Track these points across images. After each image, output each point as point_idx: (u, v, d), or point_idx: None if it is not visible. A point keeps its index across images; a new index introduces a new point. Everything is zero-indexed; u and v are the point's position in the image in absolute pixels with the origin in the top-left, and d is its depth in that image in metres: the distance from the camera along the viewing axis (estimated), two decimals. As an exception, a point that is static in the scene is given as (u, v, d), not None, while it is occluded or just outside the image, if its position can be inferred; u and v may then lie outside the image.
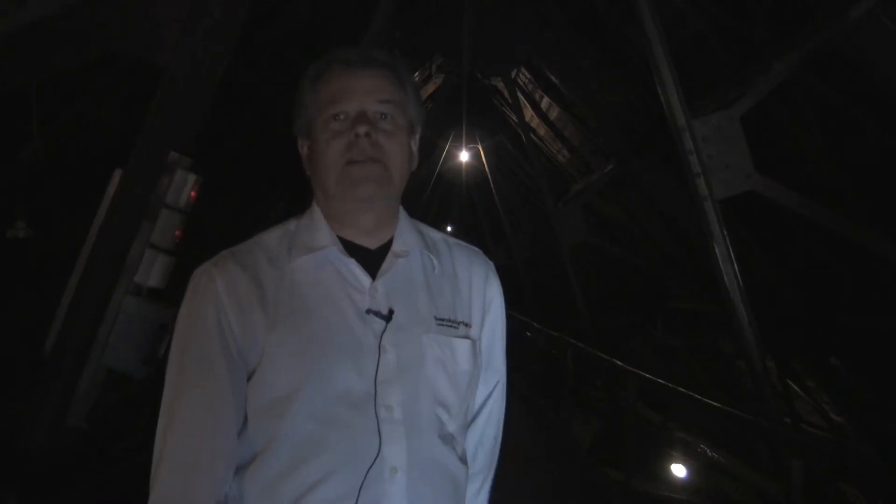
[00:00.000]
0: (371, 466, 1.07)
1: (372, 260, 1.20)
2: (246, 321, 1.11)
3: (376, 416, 1.09)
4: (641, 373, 5.92)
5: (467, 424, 1.26)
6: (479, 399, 1.32)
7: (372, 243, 1.23)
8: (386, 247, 1.23)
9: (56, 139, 5.19)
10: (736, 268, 4.34)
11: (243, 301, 1.12)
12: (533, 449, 7.06)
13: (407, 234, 1.26)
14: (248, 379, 1.11)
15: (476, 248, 1.38)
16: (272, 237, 1.22)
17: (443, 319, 1.22)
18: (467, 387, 1.22)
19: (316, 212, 1.24)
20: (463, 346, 1.22)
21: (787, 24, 4.97)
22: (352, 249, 1.20)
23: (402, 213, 1.28)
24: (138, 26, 3.96)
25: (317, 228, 1.21)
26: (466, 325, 1.25)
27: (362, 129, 1.18)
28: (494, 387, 1.35)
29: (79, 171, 5.54)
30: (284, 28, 6.46)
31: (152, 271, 3.91)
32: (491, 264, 1.36)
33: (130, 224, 3.92)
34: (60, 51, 3.80)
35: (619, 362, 6.49)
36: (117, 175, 4.02)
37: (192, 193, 4.01)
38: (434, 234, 1.33)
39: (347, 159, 1.17)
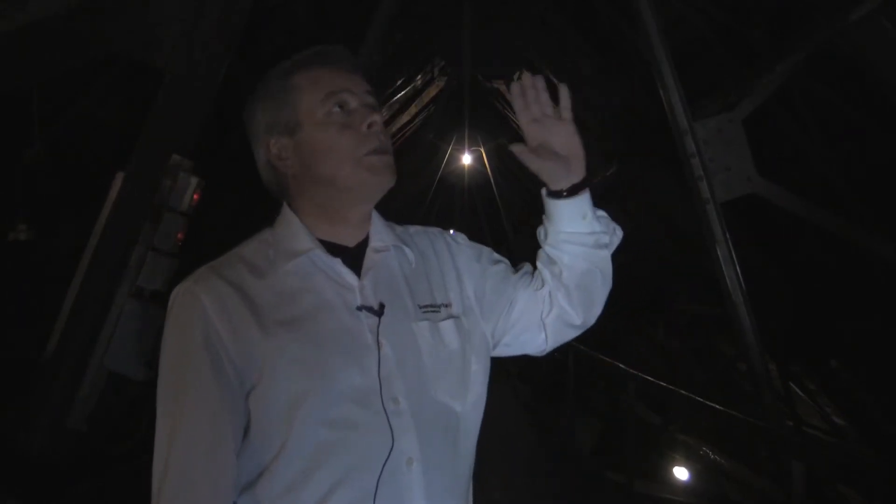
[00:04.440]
0: (387, 460, 1.07)
1: (353, 257, 1.21)
2: (239, 336, 1.09)
3: (385, 411, 1.09)
4: (642, 375, 5.92)
5: (469, 403, 1.25)
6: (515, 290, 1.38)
7: (350, 241, 1.24)
8: (363, 244, 1.24)
9: (57, 141, 5.19)
10: (738, 270, 4.33)
11: (234, 316, 1.10)
12: (534, 451, 7.06)
13: (381, 230, 1.28)
14: (249, 393, 1.08)
15: (431, 228, 1.41)
16: (249, 249, 1.21)
17: (425, 306, 1.24)
18: (462, 365, 1.23)
19: (290, 217, 1.23)
20: (448, 327, 1.23)
21: (787, 26, 4.97)
22: (332, 249, 1.20)
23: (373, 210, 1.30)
24: (138, 27, 3.96)
25: (294, 234, 1.20)
26: (446, 305, 1.27)
27: (378, 118, 1.21)
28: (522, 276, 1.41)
29: (81, 174, 5.54)
30: (284, 28, 6.45)
31: (154, 274, 3.91)
32: (447, 232, 1.40)
33: (132, 227, 3.92)
34: (60, 52, 3.80)
35: (620, 364, 6.49)
36: (119, 178, 4.02)
37: (195, 196, 4.01)
38: (397, 227, 1.34)
39: (368, 150, 1.18)
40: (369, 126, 1.19)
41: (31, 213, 5.24)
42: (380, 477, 1.06)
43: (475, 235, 1.40)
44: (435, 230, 1.41)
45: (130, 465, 4.25)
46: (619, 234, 1.39)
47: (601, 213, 1.36)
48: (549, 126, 1.27)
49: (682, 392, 5.14)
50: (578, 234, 1.32)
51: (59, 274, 4.23)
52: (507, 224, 16.43)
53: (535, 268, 1.40)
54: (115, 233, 3.94)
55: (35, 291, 5.19)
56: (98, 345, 3.85)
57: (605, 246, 1.34)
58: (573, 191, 1.30)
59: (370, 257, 1.22)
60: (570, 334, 1.40)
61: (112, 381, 3.98)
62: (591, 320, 1.39)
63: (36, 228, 5.23)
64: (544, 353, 1.43)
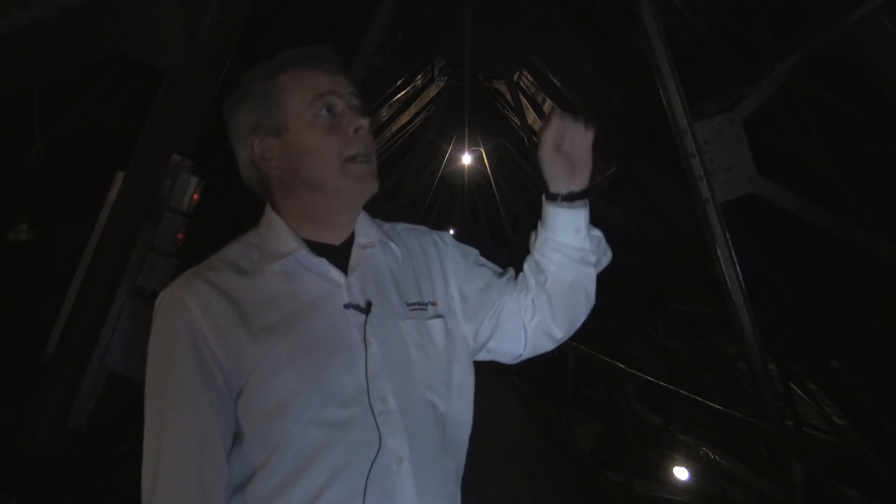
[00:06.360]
0: (374, 460, 1.07)
1: (339, 255, 1.20)
2: (227, 340, 1.08)
3: (372, 410, 1.09)
4: (642, 375, 5.92)
5: (453, 403, 1.24)
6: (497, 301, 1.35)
7: (336, 240, 1.22)
8: (349, 241, 1.23)
9: (58, 141, 5.19)
10: (738, 270, 4.33)
11: (221, 320, 1.09)
12: (534, 450, 7.05)
13: (367, 226, 1.27)
14: (239, 396, 1.08)
15: (419, 226, 1.40)
16: (234, 251, 1.20)
17: (413, 304, 1.23)
18: (447, 364, 1.23)
19: (273, 218, 1.22)
20: (435, 325, 1.23)
21: (787, 26, 4.97)
22: (318, 249, 1.19)
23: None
24: (139, 28, 3.95)
25: (279, 234, 1.19)
26: (433, 303, 1.26)
27: (365, 123, 1.19)
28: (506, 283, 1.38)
29: (81, 174, 5.55)
30: (285, 28, 6.46)
31: (154, 274, 3.91)
32: (434, 231, 1.40)
33: (132, 226, 3.92)
34: (61, 53, 3.80)
35: (620, 364, 6.48)
36: (119, 178, 4.02)
37: (195, 196, 4.01)
38: (385, 224, 1.33)
39: (350, 155, 1.17)
40: (356, 130, 1.18)
41: (31, 213, 5.25)
42: (368, 476, 1.06)
43: (475, 235, 1.39)
44: (422, 228, 1.40)
45: (130, 465, 4.25)
46: (609, 256, 1.39)
47: (596, 232, 1.35)
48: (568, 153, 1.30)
49: (683, 392, 5.14)
50: (567, 246, 1.32)
51: (59, 274, 4.23)
52: (507, 224, 16.43)
53: (522, 273, 1.40)
54: (115, 233, 3.93)
55: (35, 291, 5.19)
56: (98, 345, 3.85)
57: (592, 264, 1.35)
58: (570, 198, 1.30)
59: (356, 254, 1.21)
60: (547, 346, 1.40)
61: (112, 381, 3.98)
62: (569, 334, 1.40)
63: (36, 228, 5.24)
64: (517, 362, 1.43)
